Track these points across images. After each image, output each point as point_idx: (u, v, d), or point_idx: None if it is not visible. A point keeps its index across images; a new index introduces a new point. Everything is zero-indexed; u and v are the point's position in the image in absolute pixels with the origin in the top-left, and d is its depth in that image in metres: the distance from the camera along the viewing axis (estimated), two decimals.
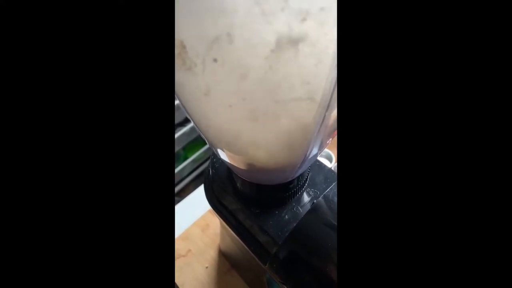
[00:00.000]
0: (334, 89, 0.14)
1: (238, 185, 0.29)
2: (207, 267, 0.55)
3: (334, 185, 0.28)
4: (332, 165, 0.59)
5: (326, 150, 0.61)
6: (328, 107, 0.15)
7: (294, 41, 0.10)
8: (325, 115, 0.16)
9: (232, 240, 0.43)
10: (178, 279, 0.54)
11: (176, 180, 1.30)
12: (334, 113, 0.17)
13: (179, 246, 0.57)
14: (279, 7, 0.09)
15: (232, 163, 0.22)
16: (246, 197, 0.29)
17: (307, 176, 0.29)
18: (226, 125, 0.15)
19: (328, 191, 0.28)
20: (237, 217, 0.31)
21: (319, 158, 0.64)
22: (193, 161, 1.29)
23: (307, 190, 0.29)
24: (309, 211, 0.27)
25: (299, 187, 0.28)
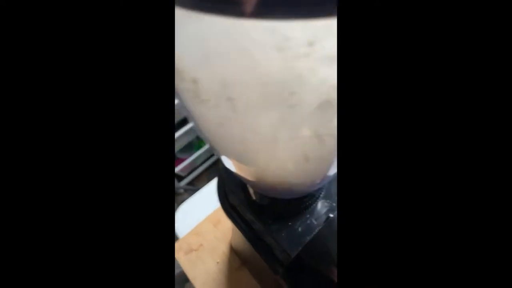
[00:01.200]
0: None
1: (251, 193, 0.29)
2: (218, 263, 0.55)
3: None
4: None
5: None
6: None
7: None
8: None
9: (244, 240, 0.43)
10: (190, 273, 0.55)
11: (190, 169, 1.32)
12: None
13: (191, 241, 0.58)
14: (302, 53, 0.08)
15: (248, 180, 0.21)
16: (258, 205, 0.29)
17: (323, 186, 0.28)
18: (241, 153, 0.14)
19: None
20: (249, 225, 0.31)
21: None
22: (207, 151, 1.30)
23: (322, 201, 0.28)
24: (324, 227, 0.26)
25: (314, 199, 0.27)
